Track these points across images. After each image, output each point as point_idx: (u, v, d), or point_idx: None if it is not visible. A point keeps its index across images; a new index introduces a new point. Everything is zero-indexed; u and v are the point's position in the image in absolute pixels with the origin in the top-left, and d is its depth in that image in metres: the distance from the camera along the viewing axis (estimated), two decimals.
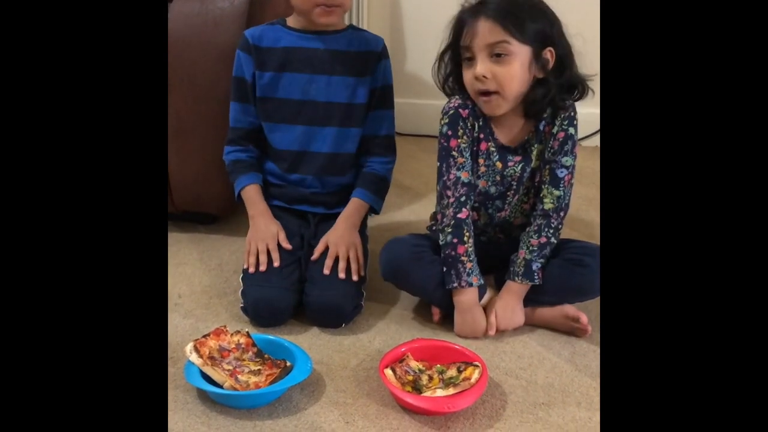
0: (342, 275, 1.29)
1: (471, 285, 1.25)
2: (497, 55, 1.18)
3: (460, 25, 1.23)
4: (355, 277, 1.31)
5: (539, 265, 1.26)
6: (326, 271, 1.30)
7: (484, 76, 1.18)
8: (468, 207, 1.27)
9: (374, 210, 1.43)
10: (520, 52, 1.19)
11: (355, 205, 1.40)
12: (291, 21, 1.40)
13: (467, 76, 1.22)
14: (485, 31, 1.18)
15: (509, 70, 1.18)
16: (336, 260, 1.31)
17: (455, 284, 1.25)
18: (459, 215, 1.26)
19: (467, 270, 1.25)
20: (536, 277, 1.26)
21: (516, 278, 1.27)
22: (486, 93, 1.20)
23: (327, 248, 1.33)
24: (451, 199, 1.26)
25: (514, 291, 1.27)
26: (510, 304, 1.27)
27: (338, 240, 1.34)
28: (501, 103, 1.21)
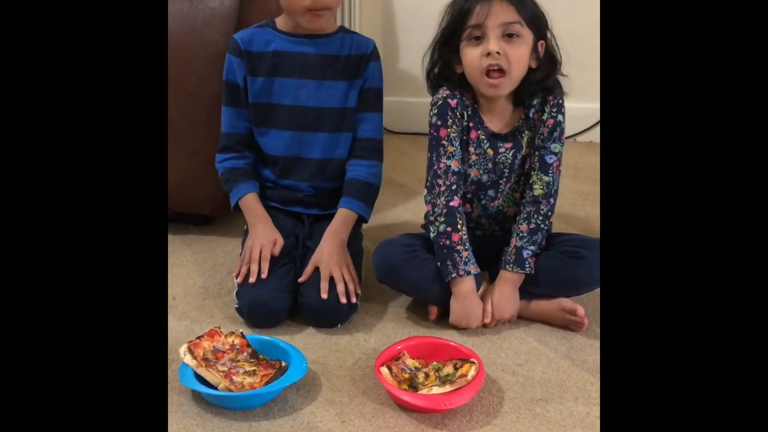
0: (344, 300, 1.26)
1: (469, 273, 1.24)
2: (509, 36, 1.20)
3: (467, 6, 1.22)
4: (354, 299, 1.27)
5: (530, 253, 1.26)
6: (324, 296, 1.25)
7: (497, 52, 1.19)
8: (459, 195, 1.27)
9: (363, 219, 1.39)
10: (527, 37, 1.22)
11: (342, 217, 1.35)
12: (280, 23, 1.38)
13: (473, 54, 1.22)
14: (501, 10, 1.20)
15: (519, 52, 1.21)
16: (332, 283, 1.27)
17: (453, 274, 1.23)
18: (451, 203, 1.26)
19: (464, 258, 1.24)
20: (527, 266, 1.26)
21: (507, 266, 1.27)
22: (494, 72, 1.21)
23: (316, 268, 1.29)
24: (442, 188, 1.27)
25: (507, 280, 1.27)
26: (504, 292, 1.26)
27: (328, 260, 1.29)
28: (507, 85, 1.23)
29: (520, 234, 1.27)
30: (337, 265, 1.28)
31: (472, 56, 1.22)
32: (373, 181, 1.40)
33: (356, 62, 1.37)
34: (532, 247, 1.26)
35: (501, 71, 1.21)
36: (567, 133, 1.31)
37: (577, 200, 1.86)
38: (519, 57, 1.21)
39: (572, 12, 2.01)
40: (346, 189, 1.38)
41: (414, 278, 1.28)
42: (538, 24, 1.23)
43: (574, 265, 1.25)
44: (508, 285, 1.27)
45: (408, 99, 2.18)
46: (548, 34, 1.26)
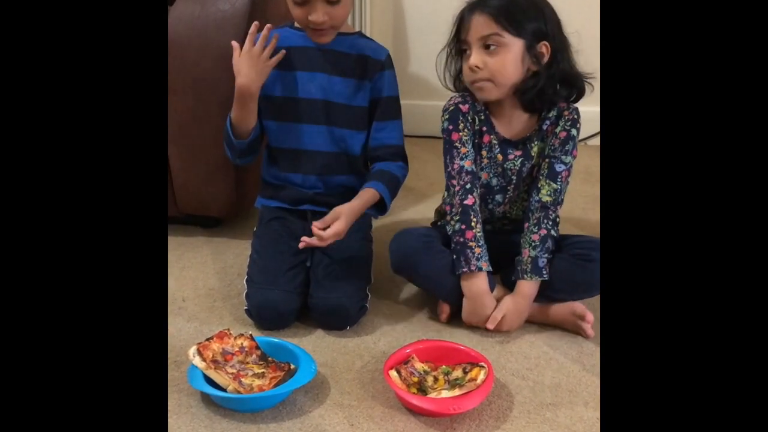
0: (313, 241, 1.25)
1: (480, 269, 1.25)
2: (488, 47, 1.24)
3: (459, 19, 1.29)
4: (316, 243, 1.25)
5: (545, 261, 1.26)
6: (312, 231, 1.25)
7: (477, 66, 1.24)
8: (474, 194, 1.29)
9: (383, 205, 1.36)
10: (513, 45, 1.23)
11: (363, 195, 1.32)
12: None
13: (465, 67, 1.28)
14: (479, 24, 1.24)
15: (500, 61, 1.24)
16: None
17: (464, 269, 1.25)
18: (465, 202, 1.28)
19: (476, 255, 1.25)
20: (544, 273, 1.26)
21: (525, 276, 1.26)
22: (478, 81, 1.26)
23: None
24: (457, 188, 1.29)
25: (526, 294, 1.26)
26: (520, 307, 1.26)
27: (339, 220, 1.25)
28: (492, 89, 1.26)
29: (533, 243, 1.27)
30: (342, 225, 1.25)
31: (464, 69, 1.29)
32: (400, 176, 1.40)
33: (366, 63, 1.38)
34: (547, 255, 1.27)
35: (485, 80, 1.25)
36: (578, 136, 1.31)
37: (588, 204, 1.86)
38: (500, 66, 1.23)
39: (588, 14, 2.00)
40: (373, 176, 1.36)
41: (429, 269, 1.29)
42: (532, 30, 1.23)
43: (585, 268, 1.25)
44: (526, 300, 1.27)
45: (418, 102, 2.18)
46: (551, 36, 1.24)
